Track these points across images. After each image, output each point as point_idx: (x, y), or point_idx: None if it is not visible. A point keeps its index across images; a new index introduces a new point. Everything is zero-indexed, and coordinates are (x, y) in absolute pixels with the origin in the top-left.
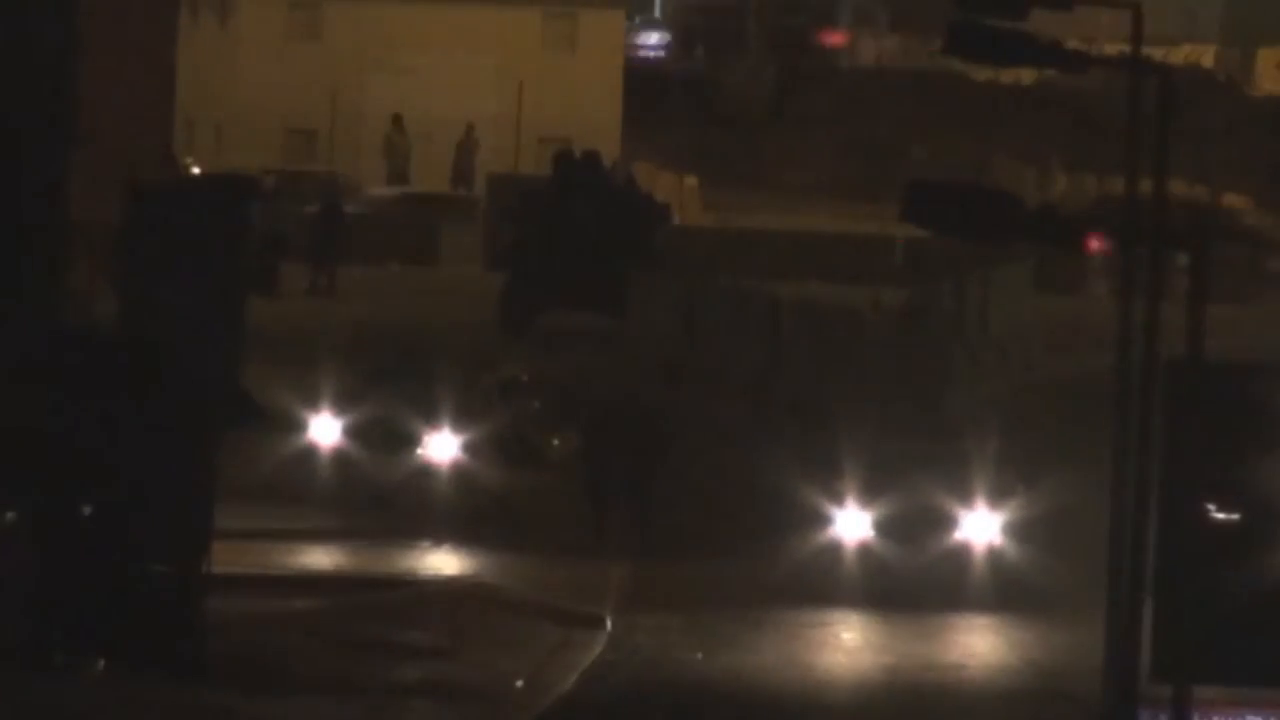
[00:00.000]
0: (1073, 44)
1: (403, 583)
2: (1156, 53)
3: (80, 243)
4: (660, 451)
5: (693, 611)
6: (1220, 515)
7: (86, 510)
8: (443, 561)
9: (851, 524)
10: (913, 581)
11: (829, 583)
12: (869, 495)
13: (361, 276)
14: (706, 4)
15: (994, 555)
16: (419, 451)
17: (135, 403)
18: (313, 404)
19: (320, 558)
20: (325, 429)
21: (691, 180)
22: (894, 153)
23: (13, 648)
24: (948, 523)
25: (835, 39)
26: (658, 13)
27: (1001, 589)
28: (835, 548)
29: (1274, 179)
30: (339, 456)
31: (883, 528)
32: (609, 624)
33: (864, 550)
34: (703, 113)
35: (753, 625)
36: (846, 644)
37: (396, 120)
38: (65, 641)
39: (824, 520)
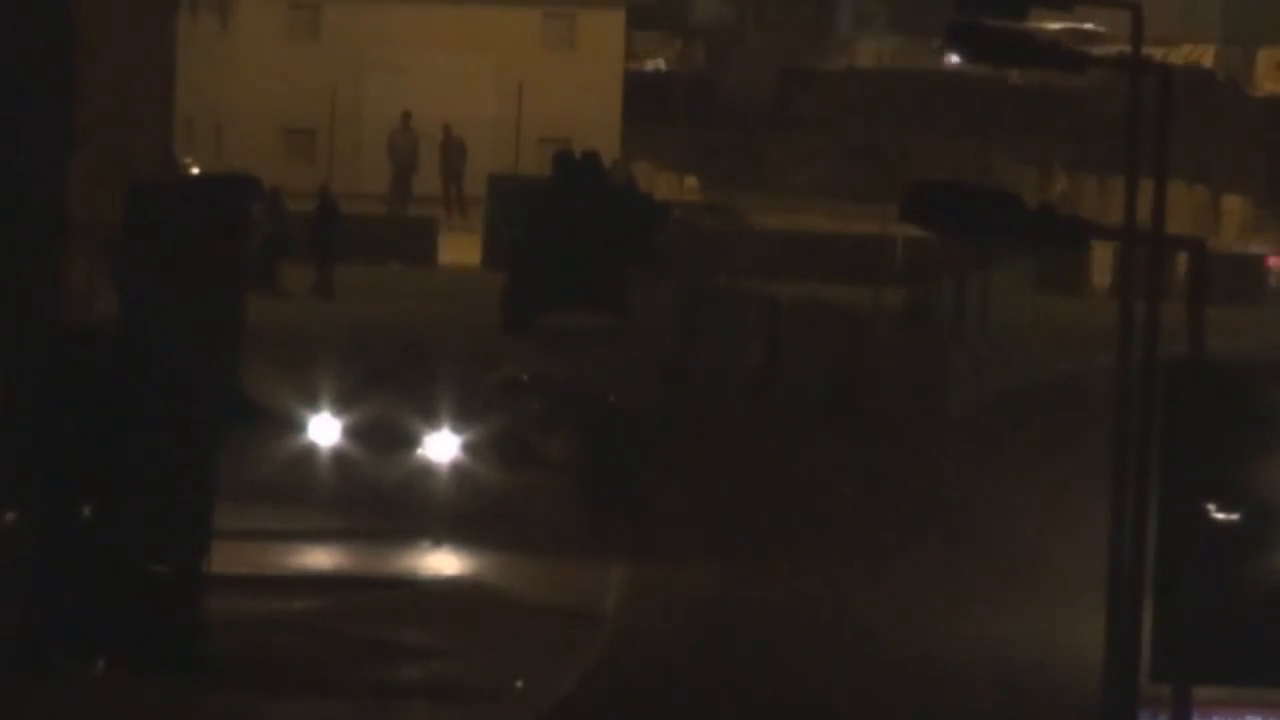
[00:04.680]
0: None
1: (403, 583)
2: (1156, 53)
3: (80, 243)
4: (659, 452)
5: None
6: (1220, 515)
7: (86, 510)
8: (443, 561)
9: None
10: None
11: None
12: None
13: (362, 276)
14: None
15: None
16: (419, 451)
17: (134, 402)
18: (313, 404)
19: (320, 558)
20: (325, 429)
21: (691, 180)
22: (894, 153)
23: (12, 648)
24: None
25: None
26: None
27: None
28: None
29: (1274, 179)
30: (339, 456)
31: None
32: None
33: None
34: (703, 113)
35: None
36: None
37: (405, 118)
38: (65, 641)
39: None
